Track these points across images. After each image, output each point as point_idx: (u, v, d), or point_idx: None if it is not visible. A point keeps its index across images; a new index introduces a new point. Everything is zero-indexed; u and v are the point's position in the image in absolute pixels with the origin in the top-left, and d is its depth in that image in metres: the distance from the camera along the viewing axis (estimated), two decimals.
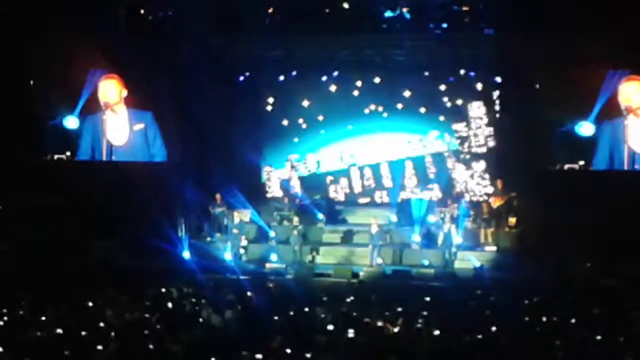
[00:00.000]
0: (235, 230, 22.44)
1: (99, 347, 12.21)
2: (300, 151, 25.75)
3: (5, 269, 19.39)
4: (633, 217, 19.98)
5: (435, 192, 24.24)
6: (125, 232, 22.09)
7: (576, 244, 20.45)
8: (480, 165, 24.41)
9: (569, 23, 19.96)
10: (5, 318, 14.27)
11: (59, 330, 13.20)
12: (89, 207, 22.45)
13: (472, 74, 23.17)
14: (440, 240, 21.76)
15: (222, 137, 23.72)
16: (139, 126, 23.63)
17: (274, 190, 25.65)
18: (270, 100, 25.34)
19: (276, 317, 14.26)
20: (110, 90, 23.62)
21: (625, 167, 21.34)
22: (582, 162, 21.75)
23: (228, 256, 21.92)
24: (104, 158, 23.79)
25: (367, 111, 24.97)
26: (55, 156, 24.03)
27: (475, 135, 24.39)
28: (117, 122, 23.74)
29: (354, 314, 14.70)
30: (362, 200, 25.32)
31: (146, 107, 23.51)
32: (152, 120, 23.53)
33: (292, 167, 25.67)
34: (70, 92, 23.40)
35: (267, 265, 21.57)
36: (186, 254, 21.96)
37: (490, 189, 23.67)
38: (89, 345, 12.35)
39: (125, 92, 23.60)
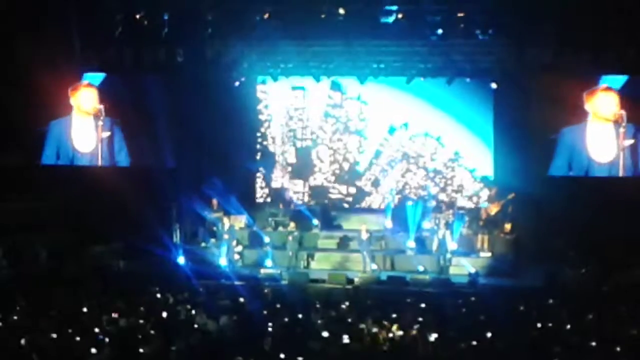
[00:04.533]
0: (225, 236, 22.39)
1: (93, 352, 12.20)
2: None
3: None
4: (628, 223, 20.01)
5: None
6: (120, 238, 22.05)
7: (571, 250, 20.50)
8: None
9: (563, 30, 20.03)
10: (0, 324, 14.23)
11: (54, 336, 13.17)
12: (84, 213, 22.40)
13: (468, 80, 23.18)
14: (434, 246, 21.74)
15: (217, 142, 23.70)
16: (106, 134, 23.55)
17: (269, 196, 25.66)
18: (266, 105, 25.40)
19: (271, 323, 14.25)
20: (94, 98, 23.49)
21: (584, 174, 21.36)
22: None
23: (223, 262, 21.90)
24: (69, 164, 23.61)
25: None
26: None
27: None
28: (85, 129, 23.61)
29: (349, 319, 14.69)
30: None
31: (132, 112, 23.26)
32: (118, 128, 23.42)
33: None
34: (61, 97, 23.36)
35: (262, 270, 21.53)
36: (181, 260, 21.92)
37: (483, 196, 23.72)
38: (84, 351, 12.33)
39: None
